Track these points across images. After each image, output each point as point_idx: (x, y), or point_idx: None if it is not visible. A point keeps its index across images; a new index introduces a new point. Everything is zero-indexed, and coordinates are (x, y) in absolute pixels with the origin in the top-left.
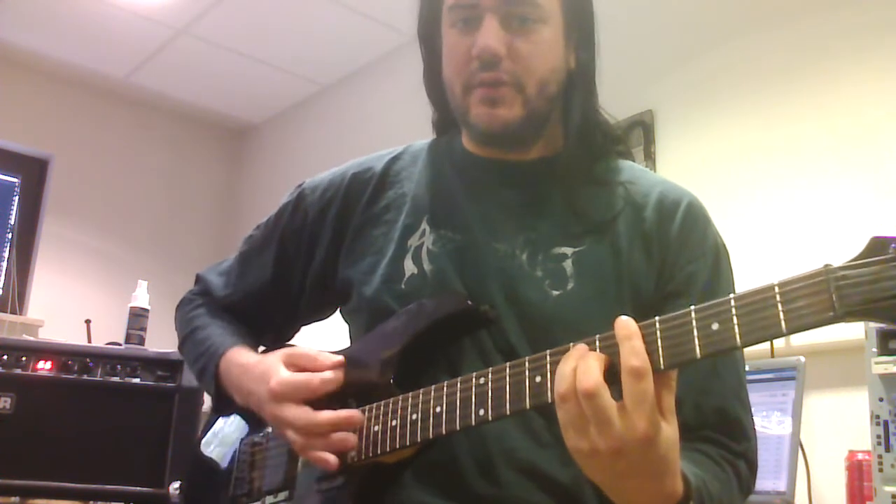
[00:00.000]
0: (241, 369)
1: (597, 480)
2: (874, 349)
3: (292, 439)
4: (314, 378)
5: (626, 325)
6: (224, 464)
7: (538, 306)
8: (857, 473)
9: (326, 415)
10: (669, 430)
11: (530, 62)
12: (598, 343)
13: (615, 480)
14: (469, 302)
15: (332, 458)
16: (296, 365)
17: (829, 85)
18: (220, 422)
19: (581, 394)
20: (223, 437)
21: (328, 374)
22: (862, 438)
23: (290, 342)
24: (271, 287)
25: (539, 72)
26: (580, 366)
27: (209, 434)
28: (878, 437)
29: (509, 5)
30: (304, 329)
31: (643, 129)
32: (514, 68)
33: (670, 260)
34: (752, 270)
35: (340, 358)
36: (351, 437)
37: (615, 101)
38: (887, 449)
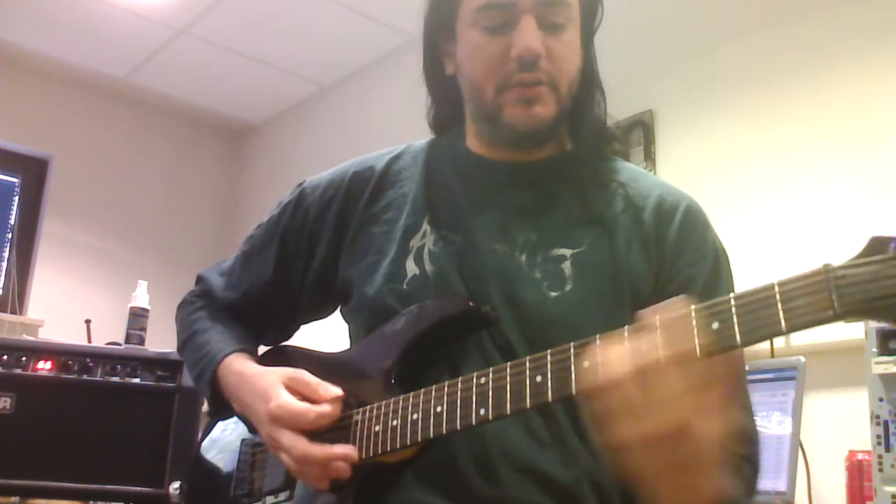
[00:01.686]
0: (239, 378)
1: (648, 476)
2: (874, 349)
3: (286, 462)
4: (311, 412)
5: (678, 306)
6: (226, 469)
7: (536, 307)
8: (857, 473)
9: (322, 450)
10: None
11: (564, 62)
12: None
13: (670, 473)
14: (470, 304)
15: (324, 484)
16: (297, 391)
17: (829, 85)
18: (220, 427)
19: (645, 370)
20: (224, 444)
21: (326, 409)
22: (862, 438)
23: (290, 342)
24: (272, 286)
25: (570, 71)
26: (640, 343)
27: (207, 440)
28: (878, 437)
29: (545, 6)
30: (303, 328)
31: (643, 129)
32: (550, 69)
33: (668, 263)
34: (752, 270)
35: (339, 392)
36: (345, 468)
37: (615, 101)
38: (887, 449)
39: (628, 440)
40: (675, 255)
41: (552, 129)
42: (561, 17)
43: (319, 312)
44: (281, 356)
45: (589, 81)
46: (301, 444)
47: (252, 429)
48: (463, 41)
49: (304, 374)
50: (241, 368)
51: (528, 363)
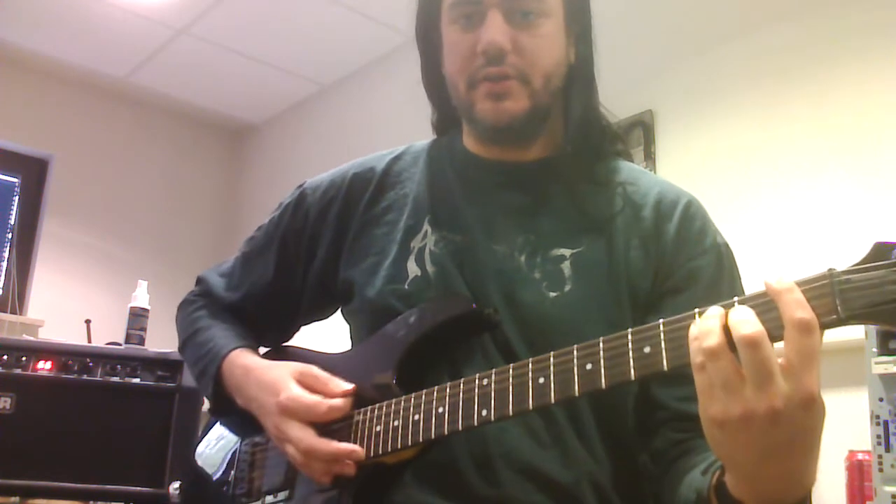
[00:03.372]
0: (245, 371)
1: (738, 460)
2: (874, 349)
3: (291, 454)
4: (323, 404)
5: (781, 279)
6: (219, 471)
7: (535, 308)
8: (857, 473)
9: (330, 446)
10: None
11: (535, 56)
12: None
13: (763, 457)
14: (474, 305)
15: (327, 478)
16: (307, 385)
17: (829, 85)
18: (204, 442)
19: (743, 343)
20: (220, 446)
21: (337, 402)
22: (862, 438)
23: (290, 343)
24: (272, 287)
25: (543, 65)
26: (734, 316)
27: (201, 445)
28: (878, 437)
29: (512, 0)
30: (303, 329)
31: (643, 129)
32: (518, 62)
33: (668, 258)
34: (752, 270)
35: (352, 386)
36: (350, 468)
37: (615, 101)
38: (887, 449)
39: (723, 418)
40: (675, 251)
41: (527, 124)
42: (531, 10)
43: (320, 313)
44: (282, 356)
45: (578, 77)
46: (309, 437)
47: (240, 431)
48: (444, 39)
49: (315, 369)
50: (248, 362)
51: (530, 364)
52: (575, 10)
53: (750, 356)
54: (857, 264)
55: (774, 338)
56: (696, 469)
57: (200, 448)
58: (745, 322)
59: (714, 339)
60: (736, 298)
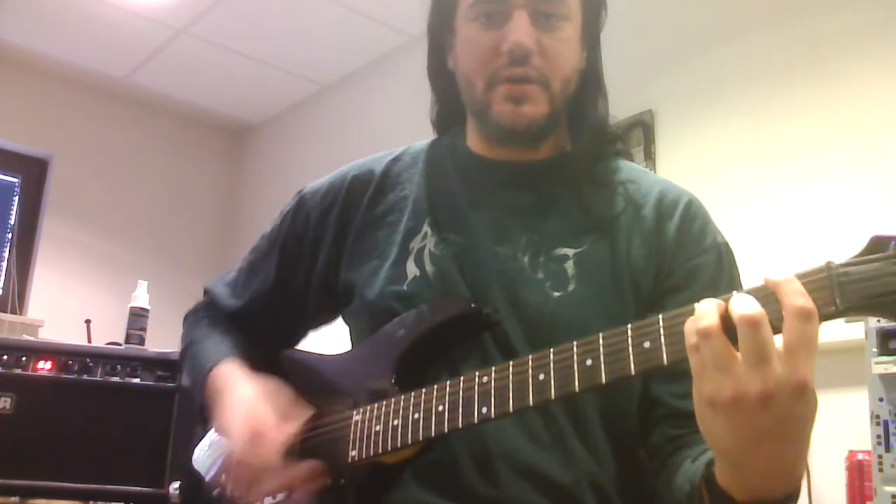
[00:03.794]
0: (224, 384)
1: (726, 444)
2: (874, 349)
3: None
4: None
5: (780, 272)
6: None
7: (538, 308)
8: (857, 473)
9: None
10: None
11: (557, 60)
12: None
13: (751, 443)
14: (473, 305)
15: None
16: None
17: (829, 84)
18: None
19: (743, 322)
20: (202, 462)
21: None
22: (862, 438)
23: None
24: (276, 294)
25: (563, 70)
26: (735, 300)
27: (200, 446)
28: (878, 437)
29: (538, 2)
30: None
31: (643, 129)
32: (542, 65)
33: (668, 257)
34: (752, 269)
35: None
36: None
37: (615, 101)
38: (887, 449)
39: (714, 397)
40: (676, 249)
41: (544, 127)
42: (556, 12)
43: (325, 317)
44: (282, 359)
45: (590, 82)
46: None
47: None
48: (460, 35)
49: (282, 392)
50: (218, 387)
51: (530, 361)
52: (592, 15)
53: (749, 335)
54: (855, 257)
55: (774, 329)
56: (688, 459)
57: (198, 448)
58: (747, 304)
59: (709, 319)
60: (735, 292)
